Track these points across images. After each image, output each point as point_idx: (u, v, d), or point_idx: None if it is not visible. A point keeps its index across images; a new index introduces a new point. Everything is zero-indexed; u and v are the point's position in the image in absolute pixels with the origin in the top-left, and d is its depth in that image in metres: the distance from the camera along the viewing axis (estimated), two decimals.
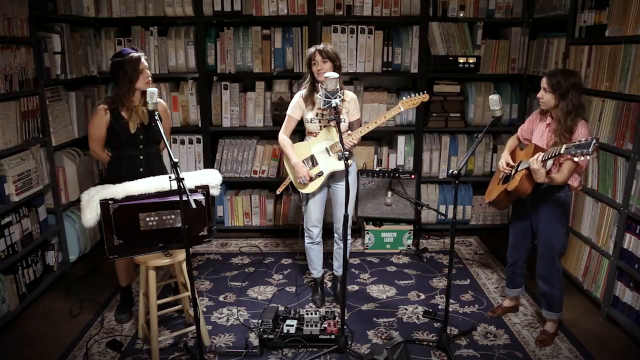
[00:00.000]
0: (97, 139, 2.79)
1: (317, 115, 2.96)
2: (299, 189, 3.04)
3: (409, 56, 4.01)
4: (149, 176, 2.57)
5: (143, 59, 2.73)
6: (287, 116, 3.02)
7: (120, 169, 2.79)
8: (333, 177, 3.04)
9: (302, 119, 3.01)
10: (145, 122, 2.77)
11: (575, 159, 2.25)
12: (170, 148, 3.04)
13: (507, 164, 2.75)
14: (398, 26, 4.04)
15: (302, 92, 2.97)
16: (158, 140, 2.89)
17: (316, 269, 3.23)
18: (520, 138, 2.86)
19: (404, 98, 2.94)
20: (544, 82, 2.54)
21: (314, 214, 3.07)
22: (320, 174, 2.97)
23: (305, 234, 3.16)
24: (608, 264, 3.02)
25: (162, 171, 2.84)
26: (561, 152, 2.30)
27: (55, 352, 2.72)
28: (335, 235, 3.17)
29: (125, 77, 2.67)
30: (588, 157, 2.20)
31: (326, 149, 2.96)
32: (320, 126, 2.97)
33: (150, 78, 2.76)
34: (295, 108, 2.98)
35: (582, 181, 2.98)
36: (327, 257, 3.41)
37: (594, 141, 2.16)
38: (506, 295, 3.10)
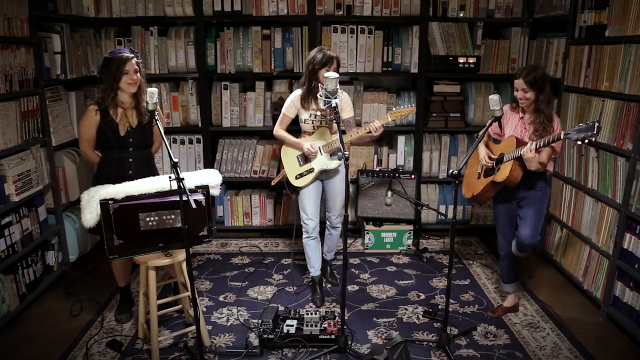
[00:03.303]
0: (87, 140, 2.76)
1: (310, 116, 3.06)
2: (292, 182, 3.14)
3: (409, 56, 4.00)
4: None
5: (133, 61, 2.65)
6: (282, 113, 3.15)
7: (109, 171, 2.76)
8: (325, 174, 3.15)
9: (297, 118, 3.11)
10: (134, 125, 2.74)
11: (579, 143, 2.41)
12: (170, 148, 3.06)
13: (490, 157, 2.88)
14: (398, 26, 4.04)
15: (300, 91, 3.06)
16: (149, 143, 2.86)
17: (314, 267, 3.24)
18: (490, 132, 2.98)
19: (394, 109, 3.10)
20: (520, 84, 2.69)
21: (308, 206, 3.14)
22: (310, 170, 3.09)
23: (303, 229, 3.20)
24: (608, 264, 3.02)
25: (153, 174, 2.75)
26: (561, 137, 2.45)
27: (55, 352, 2.72)
28: (327, 222, 3.29)
29: (109, 75, 2.64)
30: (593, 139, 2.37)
31: (319, 147, 3.06)
32: (314, 127, 3.08)
33: (134, 81, 2.66)
34: (291, 107, 3.10)
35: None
36: None
37: (597, 124, 2.31)
38: (503, 292, 3.12)
